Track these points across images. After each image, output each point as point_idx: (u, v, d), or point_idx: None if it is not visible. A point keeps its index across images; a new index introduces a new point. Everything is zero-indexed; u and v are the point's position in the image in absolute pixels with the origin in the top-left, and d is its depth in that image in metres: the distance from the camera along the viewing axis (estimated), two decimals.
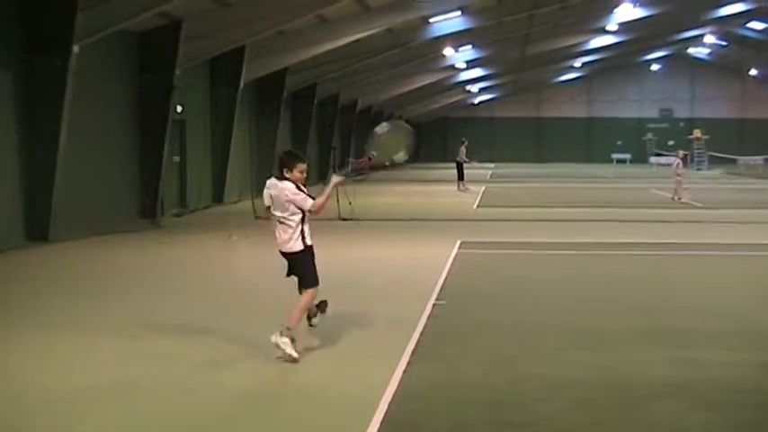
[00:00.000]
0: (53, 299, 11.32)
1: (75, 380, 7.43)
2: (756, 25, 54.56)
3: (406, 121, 67.36)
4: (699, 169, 54.15)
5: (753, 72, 69.16)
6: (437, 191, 35.05)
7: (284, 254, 8.05)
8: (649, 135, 71.04)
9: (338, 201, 20.63)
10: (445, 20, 33.75)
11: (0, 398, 7.01)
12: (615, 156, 71.55)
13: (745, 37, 59.31)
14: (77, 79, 17.15)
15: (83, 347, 8.67)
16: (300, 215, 7.92)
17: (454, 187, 34.58)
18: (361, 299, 11.10)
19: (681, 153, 30.11)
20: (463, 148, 35.06)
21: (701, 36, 61.32)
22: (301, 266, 8.00)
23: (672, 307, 10.66)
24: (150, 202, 21.75)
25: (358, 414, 6.43)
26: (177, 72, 21.81)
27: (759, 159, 60.37)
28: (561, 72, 67.93)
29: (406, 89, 49.28)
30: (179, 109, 23.33)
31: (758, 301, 11.07)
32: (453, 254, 15.20)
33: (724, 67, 72.72)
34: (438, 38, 35.67)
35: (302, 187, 7.96)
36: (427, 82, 48.95)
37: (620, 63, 69.07)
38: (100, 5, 17.58)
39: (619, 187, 37.97)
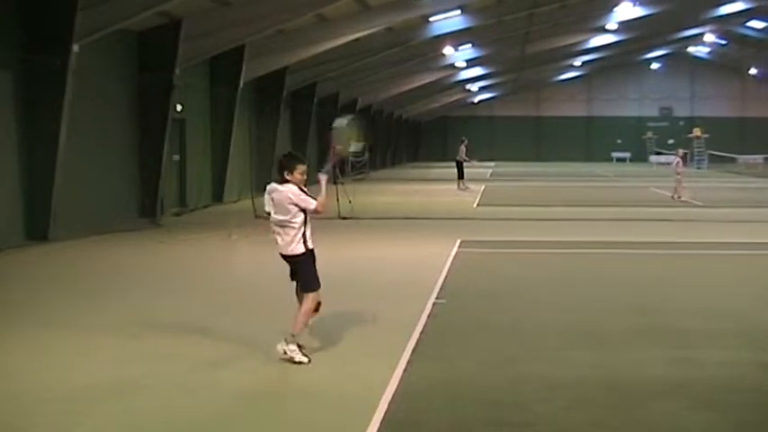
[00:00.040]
0: (53, 298, 11.33)
1: (74, 379, 7.43)
2: (756, 24, 54.56)
3: (406, 120, 67.63)
4: (699, 168, 54.15)
5: (752, 71, 69.16)
6: (437, 190, 35.05)
7: (286, 257, 8.02)
8: (649, 134, 71.08)
9: (338, 199, 20.63)
10: (445, 19, 33.74)
11: (0, 397, 7.01)
12: (615, 154, 71.58)
13: (745, 36, 59.31)
14: (77, 79, 17.15)
15: (82, 346, 8.67)
16: (302, 218, 7.90)
17: (454, 186, 34.58)
18: (361, 298, 11.11)
19: (681, 152, 30.11)
20: (463, 147, 35.07)
21: (701, 35, 61.30)
22: (303, 269, 7.98)
23: (671, 306, 10.66)
24: (150, 202, 21.75)
25: (358, 413, 6.44)
26: (177, 71, 21.80)
27: (759, 158, 60.39)
28: (561, 71, 67.94)
29: (406, 88, 49.27)
30: (179, 108, 23.32)
31: (758, 301, 11.07)
32: (453, 252, 15.20)
33: (724, 65, 72.74)
34: (438, 37, 35.65)
35: (304, 189, 7.96)
36: (427, 81, 48.93)
37: (620, 62, 69.08)
38: (100, 5, 17.57)
39: (618, 186, 37.97)
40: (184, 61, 22.25)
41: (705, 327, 9.47)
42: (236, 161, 28.11)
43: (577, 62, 62.34)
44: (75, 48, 16.79)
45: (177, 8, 20.72)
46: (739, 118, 74.07)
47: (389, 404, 6.64)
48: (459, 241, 16.63)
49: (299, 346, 7.84)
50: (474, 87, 62.80)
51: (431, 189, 35.73)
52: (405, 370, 7.57)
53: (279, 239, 7.97)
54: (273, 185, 7.96)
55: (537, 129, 76.03)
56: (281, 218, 7.89)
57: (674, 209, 25.17)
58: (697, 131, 57.94)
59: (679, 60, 73.96)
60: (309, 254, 7.97)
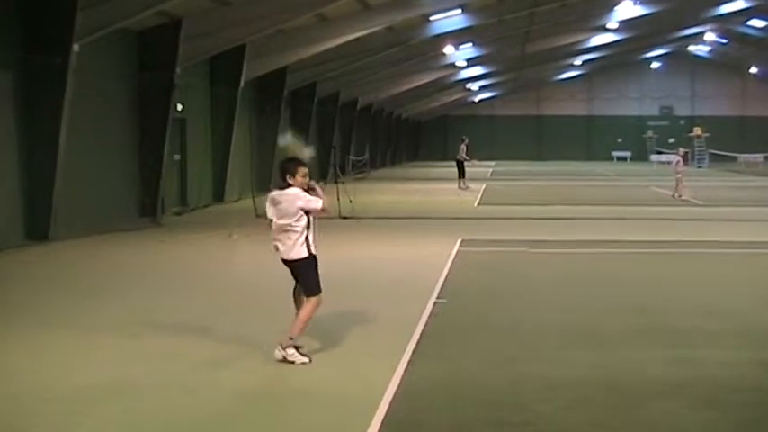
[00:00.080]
0: (53, 297, 11.33)
1: (74, 379, 7.43)
2: (757, 23, 54.53)
3: (406, 120, 67.64)
4: (699, 167, 54.15)
5: (753, 70, 69.16)
6: (438, 189, 35.04)
7: (288, 262, 8.01)
8: (650, 133, 71.10)
9: (338, 199, 20.64)
10: (445, 18, 33.74)
11: (0, 397, 7.01)
12: (615, 154, 71.58)
13: (746, 35, 59.29)
14: (77, 78, 17.15)
15: (83, 346, 8.67)
16: (305, 222, 7.90)
17: (455, 185, 34.57)
18: (361, 297, 11.10)
19: (681, 151, 30.09)
20: (463, 147, 35.06)
21: (702, 34, 61.31)
22: (305, 274, 7.97)
23: (671, 306, 10.65)
24: (150, 201, 21.75)
25: (359, 413, 6.43)
26: (177, 71, 21.80)
27: (759, 157, 60.39)
28: (561, 70, 67.93)
29: (407, 87, 49.28)
30: (179, 108, 23.32)
31: (758, 300, 11.06)
32: (454, 252, 15.20)
33: (724, 64, 72.72)
34: (438, 36, 35.66)
35: (307, 191, 7.98)
36: (427, 80, 48.94)
37: (621, 61, 69.08)
38: (100, 4, 17.57)
39: (619, 185, 37.97)
40: (185, 61, 22.26)
41: (705, 326, 9.47)
42: (237, 161, 28.12)
43: (578, 61, 62.34)
44: (76, 47, 16.79)
45: (177, 8, 20.72)
46: (740, 117, 74.07)
47: (390, 403, 6.63)
48: (459, 240, 16.63)
49: (297, 348, 7.83)
50: (474, 86, 62.81)
51: (431, 188, 35.73)
52: (405, 370, 7.57)
53: (280, 246, 7.95)
54: (276, 192, 7.95)
55: (537, 128, 76.04)
56: (284, 222, 7.86)
57: (674, 208, 25.17)
58: (697, 130, 57.93)
59: (679, 59, 73.95)
60: (312, 258, 7.97)
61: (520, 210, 24.32)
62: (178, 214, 23.18)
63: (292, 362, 7.72)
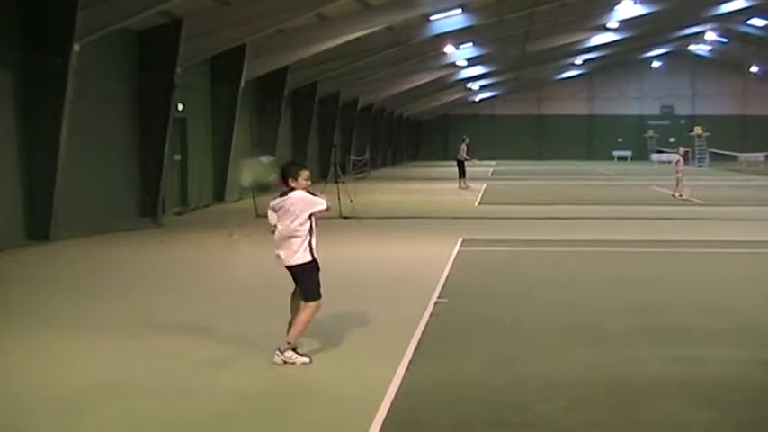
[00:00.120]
0: (53, 297, 11.33)
1: (74, 379, 7.43)
2: (757, 22, 54.51)
3: (407, 119, 67.66)
4: (700, 166, 54.14)
5: (754, 69, 69.16)
6: (438, 188, 35.04)
7: (292, 267, 7.98)
8: (650, 132, 71.08)
9: (339, 198, 20.63)
10: (446, 17, 33.73)
11: (0, 397, 7.01)
12: (616, 153, 71.60)
13: (746, 34, 59.28)
14: (78, 78, 17.14)
15: (83, 346, 8.67)
16: (308, 226, 7.91)
17: (455, 185, 34.57)
18: (362, 297, 11.10)
19: (682, 150, 30.09)
20: (464, 146, 35.05)
21: (702, 33, 61.30)
22: (306, 278, 7.96)
23: (672, 305, 10.64)
24: (151, 201, 21.75)
25: (360, 413, 6.43)
26: (178, 71, 21.80)
27: (760, 156, 60.39)
28: (562, 69, 67.93)
29: (407, 87, 49.29)
30: (180, 107, 23.32)
31: (759, 299, 11.05)
32: (455, 251, 15.20)
33: (725, 64, 72.73)
34: (439, 35, 35.66)
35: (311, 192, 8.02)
36: (428, 80, 48.94)
37: (621, 60, 69.09)
38: (100, 4, 17.57)
39: (620, 184, 37.97)
40: (185, 61, 22.25)
41: (706, 325, 9.47)
42: (238, 160, 28.08)
43: (578, 61, 62.33)
44: (76, 47, 16.78)
45: (178, 7, 20.72)
46: (740, 116, 74.08)
47: (392, 403, 6.63)
48: (460, 240, 16.62)
49: (294, 349, 7.83)
50: (475, 86, 62.82)
51: (432, 188, 35.73)
52: (406, 370, 7.56)
53: (282, 253, 7.95)
54: (279, 199, 7.95)
55: (538, 127, 76.05)
56: (289, 226, 7.86)
57: (675, 207, 25.16)
58: (698, 130, 57.93)
59: (680, 58, 73.96)
60: (314, 263, 7.97)
61: (521, 209, 24.32)
62: (179, 214, 23.18)
63: (293, 363, 7.72)
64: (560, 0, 37.21)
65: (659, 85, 76.03)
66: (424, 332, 9.01)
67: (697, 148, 56.53)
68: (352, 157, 46.89)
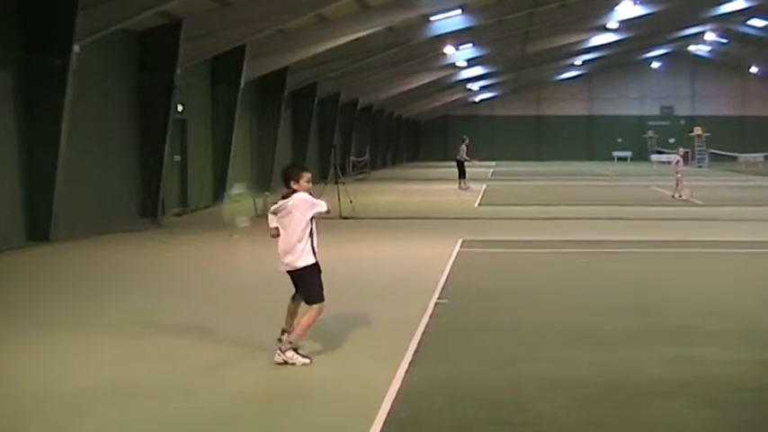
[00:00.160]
0: (54, 298, 11.33)
1: (75, 380, 7.44)
2: (757, 22, 54.53)
3: (407, 120, 67.64)
4: (700, 167, 54.15)
5: (753, 69, 69.17)
6: (438, 189, 35.04)
7: (295, 271, 7.99)
8: (650, 133, 71.10)
9: (339, 199, 20.63)
10: (445, 18, 33.76)
11: (0, 398, 7.01)
12: (616, 153, 71.59)
13: (746, 34, 59.28)
14: (77, 79, 17.15)
15: (83, 347, 8.67)
16: (309, 228, 7.93)
17: (455, 186, 34.58)
18: (362, 298, 11.11)
19: (681, 151, 30.09)
20: (464, 147, 35.07)
21: (702, 33, 61.31)
22: (309, 281, 7.96)
23: (671, 305, 10.65)
24: (151, 202, 21.75)
25: (360, 414, 6.44)
26: (178, 71, 21.81)
27: (759, 156, 60.39)
28: (562, 70, 67.94)
29: (407, 87, 49.29)
30: (180, 108, 23.32)
31: (758, 300, 11.05)
32: (455, 252, 15.20)
33: (725, 64, 72.73)
34: (438, 36, 35.66)
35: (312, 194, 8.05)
36: (428, 80, 48.94)
37: (621, 61, 69.08)
38: (100, 5, 17.58)
39: (619, 185, 37.97)
40: (185, 61, 22.26)
41: (705, 325, 9.47)
42: (238, 161, 28.11)
43: (578, 61, 62.34)
44: (76, 48, 16.79)
45: (178, 8, 20.72)
46: (740, 116, 74.08)
47: (392, 404, 6.63)
48: (460, 241, 16.63)
49: (296, 349, 7.84)
50: (475, 87, 62.82)
51: (432, 189, 35.74)
52: (407, 371, 7.57)
53: (286, 261, 7.96)
54: (281, 202, 7.96)
55: (538, 128, 76.06)
56: (292, 228, 7.87)
57: (674, 208, 25.17)
58: (698, 130, 57.93)
59: (680, 59, 73.97)
60: (317, 266, 7.99)
61: (520, 210, 24.32)
62: (179, 215, 23.18)
63: (293, 364, 7.73)
64: (560, 1, 37.22)
65: (659, 86, 76.05)
66: (424, 333, 9.02)
67: (697, 148, 56.53)
68: (352, 157, 46.90)
